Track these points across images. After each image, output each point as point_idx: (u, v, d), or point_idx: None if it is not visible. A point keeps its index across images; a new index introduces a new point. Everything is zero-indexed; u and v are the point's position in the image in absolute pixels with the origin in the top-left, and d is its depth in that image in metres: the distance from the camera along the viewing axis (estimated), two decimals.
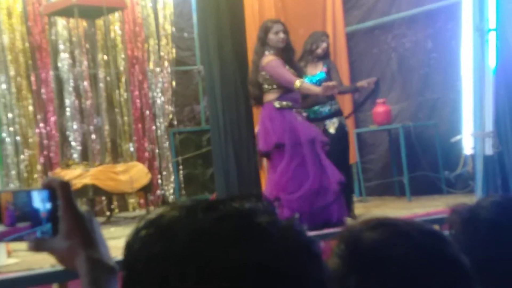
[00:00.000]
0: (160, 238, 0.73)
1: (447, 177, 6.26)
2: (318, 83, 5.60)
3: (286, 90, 5.16)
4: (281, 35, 5.20)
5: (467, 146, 4.68)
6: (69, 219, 0.92)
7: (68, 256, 0.92)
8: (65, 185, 0.93)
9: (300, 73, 5.35)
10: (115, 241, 5.21)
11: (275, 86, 5.18)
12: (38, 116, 7.23)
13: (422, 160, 6.57)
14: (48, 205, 0.92)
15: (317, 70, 5.72)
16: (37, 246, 0.92)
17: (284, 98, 5.16)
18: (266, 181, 5.37)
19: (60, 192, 0.92)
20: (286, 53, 5.26)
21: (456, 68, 5.59)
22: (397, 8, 6.88)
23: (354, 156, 6.84)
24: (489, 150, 4.39)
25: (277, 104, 5.15)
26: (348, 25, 7.28)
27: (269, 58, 5.20)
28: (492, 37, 4.42)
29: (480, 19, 4.35)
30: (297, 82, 5.04)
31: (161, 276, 0.71)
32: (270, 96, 5.21)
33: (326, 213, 4.94)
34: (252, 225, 0.72)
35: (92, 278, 0.90)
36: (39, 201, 0.91)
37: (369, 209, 6.08)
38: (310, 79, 5.65)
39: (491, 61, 4.41)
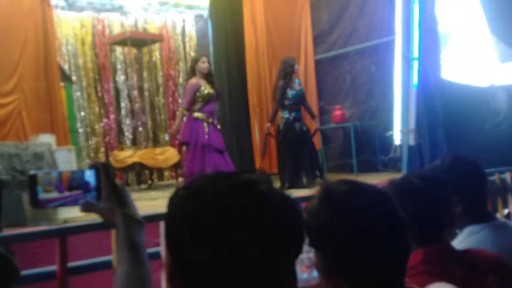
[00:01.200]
0: (192, 197, 0.73)
1: (383, 159, 6.27)
2: (299, 95, 5.51)
3: (204, 104, 5.00)
4: (206, 64, 5.10)
5: (397, 138, 4.69)
6: (108, 189, 0.92)
7: (109, 214, 0.92)
8: (106, 165, 0.93)
9: (216, 88, 5.17)
10: (155, 201, 5.21)
11: (199, 99, 5.02)
12: (102, 114, 7.20)
13: (365, 148, 6.57)
14: (94, 179, 0.92)
15: (296, 86, 5.55)
16: (87, 207, 0.92)
17: (201, 111, 5.01)
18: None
19: (102, 170, 0.92)
20: (208, 76, 5.12)
21: (390, 85, 5.58)
22: (352, 43, 6.86)
23: (319, 144, 6.83)
24: (412, 142, 4.40)
25: (194, 115, 5.02)
26: (317, 54, 7.24)
27: (190, 81, 5.07)
28: (415, 64, 4.43)
29: (408, 51, 4.35)
30: (180, 109, 5.11)
31: (193, 224, 0.71)
32: (193, 107, 5.07)
33: None
34: (256, 191, 0.72)
35: (126, 228, 0.90)
36: (89, 177, 0.91)
37: None
38: (296, 92, 5.48)
39: (414, 80, 4.42)
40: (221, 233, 0.68)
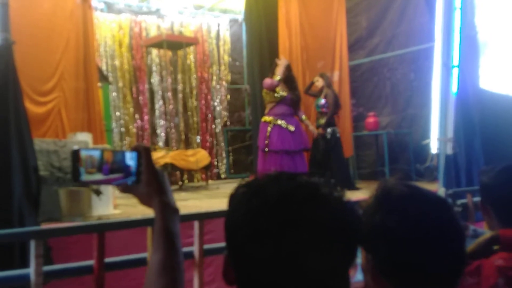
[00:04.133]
0: (255, 196, 0.72)
1: (418, 168, 6.13)
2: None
3: (274, 105, 5.11)
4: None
5: (434, 147, 4.57)
6: (148, 173, 0.91)
7: (147, 198, 0.91)
8: (147, 149, 0.92)
9: (292, 93, 5.24)
10: (185, 202, 5.24)
11: (268, 100, 5.18)
12: (136, 115, 7.31)
13: (399, 157, 6.46)
14: (135, 162, 0.91)
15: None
16: (126, 189, 0.92)
17: (270, 113, 5.15)
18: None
19: (143, 154, 0.91)
20: (287, 82, 5.23)
21: (429, 93, 5.45)
22: (391, 49, 6.78)
23: (351, 151, 6.74)
24: (449, 151, 4.28)
25: (263, 118, 5.20)
26: (356, 60, 7.15)
27: (265, 80, 5.22)
28: (455, 71, 4.32)
29: (447, 58, 4.25)
30: (276, 77, 5.11)
31: (256, 221, 0.70)
32: (264, 110, 5.27)
33: None
34: (319, 194, 0.72)
35: (163, 216, 0.89)
36: (129, 159, 0.91)
37: (359, 189, 5.95)
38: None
39: (454, 88, 4.31)
40: (283, 233, 0.68)
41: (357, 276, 1.08)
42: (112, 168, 0.89)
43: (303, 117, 5.35)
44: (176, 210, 0.91)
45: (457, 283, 0.92)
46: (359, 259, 1.01)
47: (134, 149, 0.92)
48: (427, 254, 0.88)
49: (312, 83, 5.98)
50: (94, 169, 0.88)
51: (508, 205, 1.53)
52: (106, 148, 0.89)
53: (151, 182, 0.90)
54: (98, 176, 0.88)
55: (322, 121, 5.74)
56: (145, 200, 0.92)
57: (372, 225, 0.92)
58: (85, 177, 0.87)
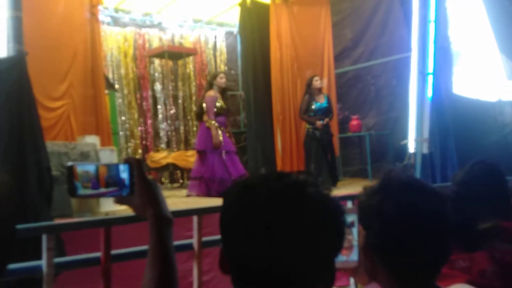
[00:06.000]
0: (245, 195, 0.73)
1: (398, 167, 6.15)
2: (322, 108, 5.71)
3: (216, 115, 5.11)
4: (224, 79, 5.25)
5: (411, 147, 4.60)
6: (140, 184, 0.88)
7: (141, 209, 0.89)
8: (138, 161, 0.90)
9: (227, 104, 5.30)
10: (185, 198, 5.24)
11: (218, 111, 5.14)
12: (140, 119, 7.29)
13: (381, 156, 6.49)
14: (128, 174, 0.88)
15: (321, 100, 5.77)
16: (119, 200, 0.90)
17: (215, 121, 5.11)
18: (195, 165, 5.31)
19: (134, 166, 0.89)
20: (224, 92, 5.26)
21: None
22: (374, 58, 6.82)
23: (337, 151, 6.76)
24: (425, 150, 4.33)
25: (206, 124, 5.11)
26: (342, 68, 7.18)
27: (209, 94, 5.14)
28: (430, 78, 4.36)
29: (423, 66, 4.30)
30: (209, 122, 5.05)
31: (247, 217, 0.71)
32: (205, 117, 5.15)
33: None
34: (306, 192, 0.72)
35: (158, 231, 0.87)
36: (123, 172, 0.88)
37: (345, 185, 6.00)
38: (319, 105, 5.69)
39: (429, 93, 4.35)
40: (271, 229, 0.69)
41: (352, 256, 1.10)
42: (108, 182, 0.87)
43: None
44: (170, 220, 0.89)
45: (438, 270, 0.94)
46: (356, 241, 1.03)
47: (125, 161, 0.89)
48: (414, 239, 0.90)
49: (308, 97, 5.74)
50: (89, 184, 0.86)
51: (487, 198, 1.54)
52: (100, 163, 0.85)
53: (143, 193, 0.88)
54: (95, 190, 0.87)
55: (323, 121, 5.72)
56: (139, 211, 0.89)
57: (369, 205, 0.95)
58: (82, 192, 0.86)
